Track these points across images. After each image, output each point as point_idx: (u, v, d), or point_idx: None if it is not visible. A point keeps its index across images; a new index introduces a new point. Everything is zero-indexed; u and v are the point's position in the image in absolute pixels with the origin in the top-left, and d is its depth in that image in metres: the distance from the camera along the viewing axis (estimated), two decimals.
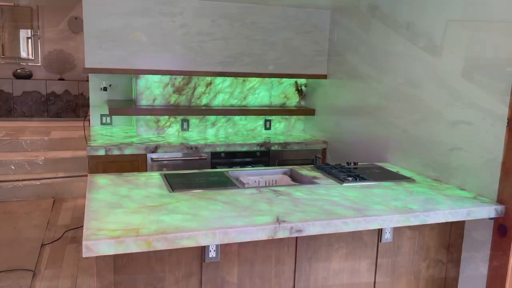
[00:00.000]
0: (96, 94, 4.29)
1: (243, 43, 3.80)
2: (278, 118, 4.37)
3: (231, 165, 3.72)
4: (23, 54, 7.29)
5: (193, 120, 4.08)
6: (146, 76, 3.85)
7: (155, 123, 3.97)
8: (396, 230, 2.30)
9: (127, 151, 3.38)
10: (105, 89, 4.31)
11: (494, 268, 2.23)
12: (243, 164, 3.76)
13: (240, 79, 4.16)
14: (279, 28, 3.88)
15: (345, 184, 2.44)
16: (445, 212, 2.04)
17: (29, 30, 7.26)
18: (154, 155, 3.47)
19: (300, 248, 2.12)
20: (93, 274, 2.93)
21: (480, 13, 2.34)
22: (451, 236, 2.43)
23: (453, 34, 2.51)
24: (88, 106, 7.19)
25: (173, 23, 3.58)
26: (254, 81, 4.23)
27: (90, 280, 2.93)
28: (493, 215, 2.13)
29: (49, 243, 3.49)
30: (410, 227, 2.32)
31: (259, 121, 4.32)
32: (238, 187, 2.30)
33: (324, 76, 4.04)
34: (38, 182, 4.68)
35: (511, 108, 2.11)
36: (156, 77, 3.90)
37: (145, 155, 3.45)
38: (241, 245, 2.02)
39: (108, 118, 4.34)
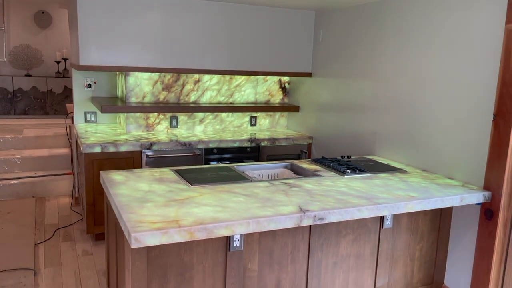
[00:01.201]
0: (80, 91, 4.24)
1: (230, 42, 3.91)
2: (263, 115, 4.52)
3: (223, 160, 3.83)
4: None
5: (182, 117, 4.14)
6: (136, 73, 3.87)
7: (144, 120, 4.00)
8: (395, 217, 2.51)
9: (123, 148, 3.41)
10: (89, 86, 4.28)
11: (481, 248, 2.49)
12: (234, 160, 3.87)
13: (227, 76, 4.26)
14: (265, 28, 4.01)
15: (346, 176, 2.63)
16: (442, 199, 2.27)
17: None
18: (148, 152, 3.52)
19: (313, 235, 2.29)
20: (94, 270, 2.97)
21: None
22: (441, 221, 2.68)
23: (441, 33, 2.75)
24: (58, 103, 7.02)
25: (162, 21, 3.62)
26: (240, 78, 4.34)
27: (93, 276, 2.95)
28: (481, 200, 2.39)
29: (42, 242, 3.45)
30: (408, 214, 2.54)
31: (245, 118, 4.45)
32: (251, 181, 2.43)
33: (309, 74, 4.23)
34: (17, 181, 4.56)
35: (497, 103, 2.37)
36: (146, 75, 3.93)
37: (140, 152, 3.49)
38: (261, 234, 2.15)
39: (93, 116, 4.32)
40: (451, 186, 2.50)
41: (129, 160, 3.48)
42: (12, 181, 4.55)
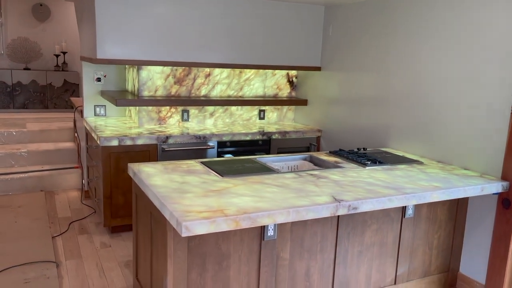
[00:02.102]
0: (89, 85, 4.24)
1: (240, 36, 3.94)
2: (271, 108, 4.57)
3: (235, 153, 3.87)
4: None
5: (193, 111, 4.17)
6: (148, 67, 3.88)
7: (156, 114, 4.02)
8: (416, 207, 2.60)
9: (139, 142, 3.43)
10: (98, 79, 4.28)
11: (498, 236, 2.59)
12: (246, 152, 3.92)
13: (237, 70, 4.30)
14: (275, 22, 4.04)
15: (367, 168, 2.70)
16: (465, 188, 2.36)
17: None
18: (164, 145, 3.55)
19: (341, 225, 2.36)
20: (115, 262, 3.00)
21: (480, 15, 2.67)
22: (457, 210, 2.78)
23: (458, 27, 2.83)
24: (58, 97, 6.97)
25: (174, 15, 3.63)
26: (249, 72, 4.38)
27: (115, 267, 2.98)
28: (500, 190, 2.48)
29: (58, 235, 3.46)
30: (428, 204, 2.63)
31: (254, 111, 4.49)
32: (277, 172, 2.48)
33: (318, 68, 4.29)
34: (25, 175, 4.54)
35: None
36: (158, 68, 3.95)
37: (156, 145, 3.52)
38: (293, 223, 2.21)
39: (102, 109, 4.32)
40: (469, 176, 2.59)
41: (145, 153, 3.50)
42: (20, 175, 4.53)
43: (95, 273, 2.89)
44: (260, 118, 4.55)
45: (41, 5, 7.05)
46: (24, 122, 5.78)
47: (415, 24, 3.14)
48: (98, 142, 3.38)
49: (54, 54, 7.17)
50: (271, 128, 4.15)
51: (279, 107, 4.60)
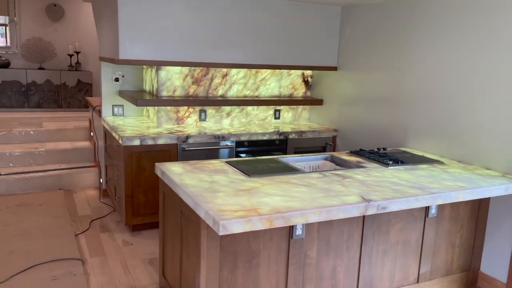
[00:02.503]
0: (108, 85, 4.29)
1: (257, 36, 3.96)
2: (286, 108, 4.60)
3: (253, 153, 3.91)
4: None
5: (210, 111, 4.21)
6: (167, 67, 3.93)
7: (174, 114, 4.07)
8: (439, 206, 2.62)
9: (160, 141, 3.48)
10: (117, 80, 4.33)
11: None
12: (264, 152, 3.96)
13: (253, 70, 4.34)
14: (292, 22, 4.06)
15: (390, 168, 2.73)
16: (489, 188, 2.38)
17: (6, 17, 6.94)
18: (184, 145, 3.59)
19: (367, 224, 2.39)
20: (139, 259, 3.04)
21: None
22: (479, 210, 2.80)
23: (479, 28, 2.85)
24: (72, 96, 7.04)
25: (192, 16, 3.67)
26: (265, 72, 4.42)
27: (139, 265, 3.03)
28: None
29: (81, 233, 3.52)
30: (451, 203, 2.65)
31: (270, 111, 4.52)
32: (302, 172, 2.52)
33: (334, 68, 4.31)
34: (44, 174, 4.60)
35: None
36: (177, 69, 3.99)
37: (177, 144, 3.56)
38: (320, 223, 2.24)
39: (120, 109, 4.37)
40: (492, 176, 2.61)
41: (166, 153, 3.55)
42: (39, 174, 4.59)
43: (120, 270, 2.94)
44: (276, 118, 4.58)
45: (55, 5, 7.11)
46: (40, 121, 5.85)
47: (434, 22, 3.16)
48: (120, 141, 3.42)
49: (67, 54, 7.23)
50: (287, 128, 4.18)
51: (294, 107, 4.63)
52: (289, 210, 1.86)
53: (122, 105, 4.37)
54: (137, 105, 3.65)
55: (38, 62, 7.15)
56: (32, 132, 5.26)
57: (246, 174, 2.39)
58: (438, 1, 3.13)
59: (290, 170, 2.54)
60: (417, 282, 2.66)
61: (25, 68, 6.92)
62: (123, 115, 4.39)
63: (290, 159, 2.91)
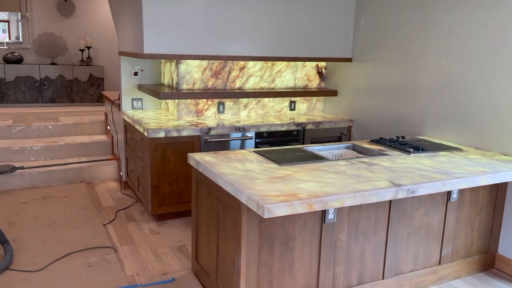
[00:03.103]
0: (127, 79, 4.39)
1: (272, 29, 4.04)
2: (301, 99, 4.70)
3: (272, 143, 4.02)
4: (12, 38, 7.04)
5: (228, 103, 4.31)
6: (187, 61, 4.02)
7: (194, 106, 4.17)
8: (460, 191, 2.73)
9: (184, 133, 3.58)
10: (136, 74, 4.42)
11: None
12: (282, 143, 4.06)
13: (269, 63, 4.43)
14: (306, 14, 4.14)
15: (412, 155, 2.84)
16: (510, 173, 2.49)
17: (18, 13, 7.02)
18: (206, 136, 3.69)
19: (393, 208, 2.50)
20: (168, 247, 3.16)
21: None
22: (497, 194, 2.91)
23: (499, 13, 2.94)
24: (84, 91, 7.13)
25: (212, 10, 3.75)
26: (281, 65, 4.51)
27: (169, 252, 3.15)
28: None
29: (108, 223, 3.64)
30: (471, 188, 2.76)
31: (285, 103, 4.62)
32: (329, 160, 2.62)
33: (349, 60, 4.40)
34: (65, 167, 4.71)
35: None
36: (196, 62, 4.08)
37: (199, 136, 3.67)
38: (351, 207, 2.35)
39: (139, 102, 4.47)
40: (511, 161, 2.72)
41: (189, 144, 3.65)
42: (60, 167, 4.71)
43: (151, 257, 3.06)
44: (291, 109, 4.68)
45: (65, 0, 7.18)
46: (56, 116, 5.95)
47: (450, 9, 3.24)
48: (145, 134, 3.53)
49: (79, 49, 7.31)
50: (302, 119, 4.28)
51: (308, 98, 4.72)
52: (326, 194, 1.97)
53: (141, 99, 4.47)
54: (159, 99, 3.75)
55: (50, 57, 7.24)
56: (50, 127, 5.36)
57: (276, 163, 2.49)
58: None
59: (317, 158, 2.64)
60: (439, 264, 2.78)
61: (38, 63, 7.01)
62: (142, 108, 4.49)
63: (315, 148, 3.02)
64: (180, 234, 3.48)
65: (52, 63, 7.12)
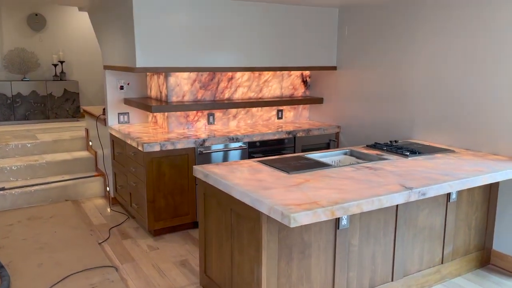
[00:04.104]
0: (113, 93, 4.31)
1: (258, 40, 4.07)
2: (288, 108, 4.75)
3: (265, 152, 4.04)
4: None
5: (217, 114, 4.30)
6: (176, 73, 3.99)
7: (184, 118, 4.14)
8: (458, 191, 2.83)
9: (179, 146, 3.55)
10: (121, 87, 4.35)
11: None
12: (275, 151, 4.09)
13: (256, 73, 4.46)
14: (291, 25, 4.20)
15: (410, 158, 2.92)
16: (506, 172, 2.61)
17: None
18: (201, 148, 3.67)
19: (400, 211, 2.57)
20: (170, 262, 3.12)
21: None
22: (491, 193, 3.04)
23: (478, 23, 3.09)
24: (59, 106, 6.92)
25: (201, 24, 3.75)
26: (267, 74, 4.55)
27: (172, 267, 3.09)
28: None
29: (103, 242, 3.53)
30: (468, 188, 2.87)
31: (273, 112, 4.67)
32: (334, 166, 2.67)
33: (334, 68, 4.50)
34: (48, 186, 4.55)
35: None
36: (185, 74, 4.06)
37: (194, 148, 3.64)
38: (362, 212, 2.40)
39: (126, 117, 4.40)
40: (502, 161, 2.85)
41: (184, 157, 3.62)
42: (43, 186, 4.54)
43: (155, 274, 2.99)
44: (279, 118, 4.73)
45: (36, 14, 6.98)
46: (33, 134, 5.75)
47: (430, 18, 3.39)
48: (139, 148, 3.47)
49: (52, 64, 7.11)
50: (290, 127, 4.33)
51: (295, 106, 4.79)
52: (345, 201, 2.00)
53: (128, 113, 4.40)
54: (152, 112, 3.70)
55: (21, 73, 7.00)
56: (28, 145, 5.17)
57: (285, 171, 2.51)
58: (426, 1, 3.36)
59: (322, 165, 2.68)
60: (442, 263, 2.87)
61: (9, 80, 6.76)
62: (129, 122, 4.42)
63: (315, 155, 3.06)
64: (179, 248, 3.43)
65: (24, 79, 6.88)
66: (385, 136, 3.96)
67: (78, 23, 7.32)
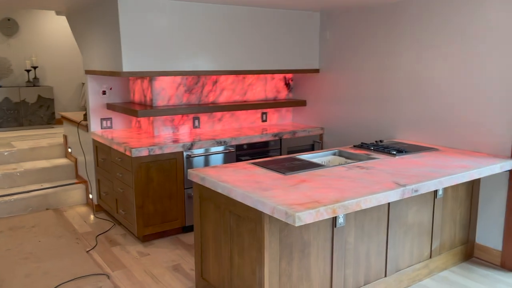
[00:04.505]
0: (95, 98, 4.25)
1: (241, 44, 4.08)
2: (272, 110, 4.80)
3: (252, 155, 4.06)
4: None
5: (203, 117, 4.30)
6: (161, 77, 3.97)
7: (170, 122, 4.11)
8: (444, 188, 2.94)
9: (167, 150, 3.53)
10: (104, 92, 4.29)
11: (511, 206, 3.00)
12: (262, 154, 4.12)
13: (241, 76, 4.49)
14: (274, 29, 4.24)
15: (397, 156, 3.02)
16: (491, 167, 2.73)
17: None
18: (188, 152, 3.66)
19: (391, 208, 2.64)
20: (162, 268, 3.11)
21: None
22: (473, 189, 3.17)
23: (461, 24, 3.23)
24: (33, 113, 6.74)
25: (186, 28, 3.75)
26: (251, 77, 4.59)
27: (165, 273, 3.06)
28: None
29: (91, 250, 3.46)
30: (453, 185, 2.98)
31: (257, 114, 4.70)
32: (326, 166, 2.72)
33: (317, 71, 4.58)
34: (28, 195, 4.42)
35: None
36: (170, 78, 4.04)
37: (182, 152, 3.63)
38: (357, 211, 2.46)
39: (109, 122, 4.34)
40: (485, 157, 2.98)
41: (172, 161, 3.60)
42: (23, 195, 4.41)
43: (148, 280, 2.96)
44: (263, 121, 4.76)
45: (9, 19, 6.78)
46: (8, 142, 5.57)
47: (416, 25, 3.51)
48: (128, 153, 3.43)
49: (24, 70, 6.92)
50: (275, 129, 4.38)
51: (279, 108, 4.84)
52: (345, 199, 2.05)
53: (111, 118, 4.34)
54: (138, 116, 3.67)
55: None
56: (6, 153, 5.02)
57: (280, 172, 2.55)
58: (412, 3, 3.49)
59: (314, 165, 2.73)
60: (430, 257, 2.97)
61: None
62: (112, 127, 4.35)
63: (307, 156, 3.11)
64: (170, 253, 3.40)
65: None
66: (368, 136, 4.05)
67: (52, 27, 7.15)
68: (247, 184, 2.30)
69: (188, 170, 2.65)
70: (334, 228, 2.36)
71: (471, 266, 3.16)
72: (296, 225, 1.85)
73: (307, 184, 2.30)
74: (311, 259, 2.30)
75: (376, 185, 2.29)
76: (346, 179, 2.41)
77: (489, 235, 3.20)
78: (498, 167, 2.80)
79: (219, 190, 2.35)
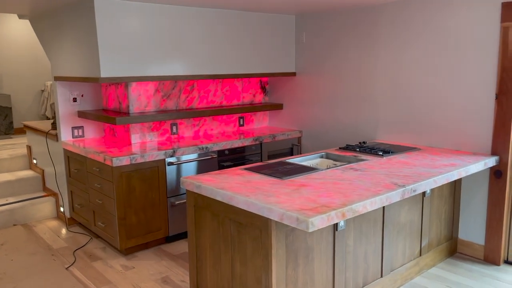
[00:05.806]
0: (65, 106, 4.04)
1: (215, 47, 4.01)
2: (249, 114, 4.76)
3: (233, 160, 4.00)
4: None
5: (181, 123, 4.19)
6: (138, 83, 3.83)
7: (147, 129, 3.97)
8: None
9: (149, 158, 3.40)
10: (74, 100, 4.09)
11: (493, 202, 3.12)
12: (243, 159, 4.06)
13: (218, 80, 4.41)
14: (249, 32, 4.20)
15: (385, 157, 3.05)
16: (475, 165, 2.82)
17: None
18: (171, 159, 3.55)
19: (386, 210, 2.66)
20: (151, 281, 2.99)
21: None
22: (455, 186, 3.27)
23: (440, 26, 3.33)
24: None
25: (161, 32, 3.65)
26: (228, 81, 4.52)
27: (154, 285, 2.93)
28: (494, 163, 3.00)
29: (70, 266, 3.26)
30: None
31: (235, 119, 4.64)
32: (319, 170, 2.71)
33: (293, 74, 4.58)
34: None
35: (498, 85, 3.00)
36: (147, 84, 3.91)
37: (164, 160, 3.51)
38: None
39: (80, 131, 4.13)
40: (468, 155, 3.08)
41: (154, 170, 3.47)
42: None
43: None
44: (241, 125, 4.71)
45: None
46: None
47: (392, 27, 3.59)
48: (108, 162, 3.27)
49: None
50: (255, 133, 4.34)
51: (255, 112, 4.80)
52: (352, 202, 2.04)
53: (82, 126, 4.13)
54: (116, 124, 3.51)
55: None
56: None
57: (277, 177, 2.50)
58: (387, 6, 3.57)
59: (308, 169, 2.71)
60: (420, 255, 3.02)
61: None
62: (84, 136, 4.15)
63: (296, 160, 3.08)
64: (156, 265, 3.27)
65: None
66: (347, 138, 4.10)
67: (10, 32, 6.76)
68: (247, 190, 2.24)
69: (181, 178, 2.55)
70: (336, 232, 2.35)
71: (456, 262, 3.25)
72: (310, 230, 1.81)
73: (307, 189, 2.27)
74: (315, 264, 2.28)
75: (375, 187, 2.29)
76: (344, 182, 2.40)
77: (472, 230, 3.30)
78: (482, 164, 2.90)
79: (218, 198, 2.27)
